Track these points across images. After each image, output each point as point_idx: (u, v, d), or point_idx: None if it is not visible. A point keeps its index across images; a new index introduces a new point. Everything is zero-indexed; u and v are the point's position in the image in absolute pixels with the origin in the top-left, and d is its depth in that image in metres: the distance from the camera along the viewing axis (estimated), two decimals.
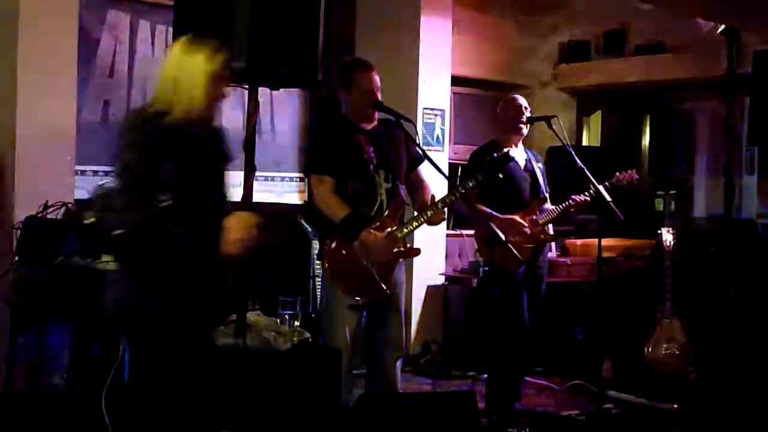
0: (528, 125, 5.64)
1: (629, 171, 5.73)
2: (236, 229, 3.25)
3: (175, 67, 3.26)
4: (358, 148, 4.46)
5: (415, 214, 4.57)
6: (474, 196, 5.05)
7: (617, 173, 5.70)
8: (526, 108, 5.63)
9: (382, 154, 4.52)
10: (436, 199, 4.52)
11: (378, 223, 4.41)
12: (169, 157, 3.20)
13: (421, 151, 4.51)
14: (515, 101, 5.67)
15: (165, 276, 3.22)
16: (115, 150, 3.29)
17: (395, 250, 4.44)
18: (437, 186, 6.70)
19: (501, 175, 4.61)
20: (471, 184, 4.53)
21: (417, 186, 4.71)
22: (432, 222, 4.53)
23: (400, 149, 4.63)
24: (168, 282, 3.23)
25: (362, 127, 4.54)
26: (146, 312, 3.22)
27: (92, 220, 4.31)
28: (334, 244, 4.39)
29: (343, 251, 4.38)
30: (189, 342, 3.28)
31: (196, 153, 3.31)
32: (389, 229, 4.43)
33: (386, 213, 4.48)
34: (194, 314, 3.29)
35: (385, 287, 4.38)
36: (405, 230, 4.47)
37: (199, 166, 3.32)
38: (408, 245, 4.56)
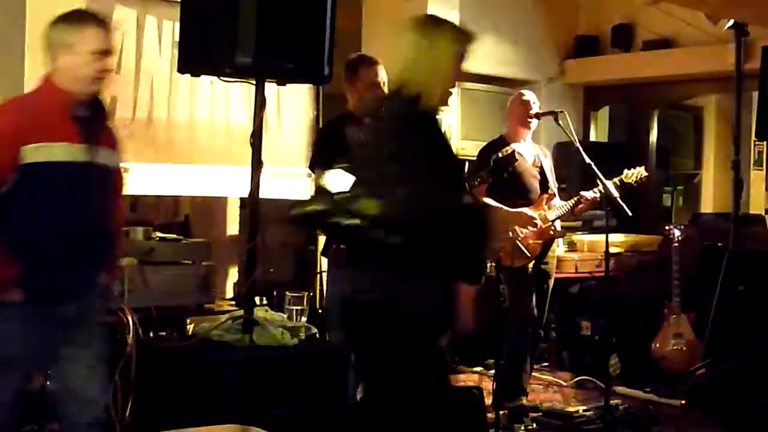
0: (536, 120, 5.66)
1: (638, 168, 5.72)
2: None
3: (420, 50, 3.11)
4: None
5: None
6: (483, 191, 5.05)
7: (626, 170, 5.69)
8: (534, 103, 5.64)
9: None
10: None
11: None
12: (433, 145, 3.03)
13: None
14: (523, 96, 5.70)
15: (442, 276, 3.03)
16: (373, 141, 3.12)
17: None
18: None
19: (506, 174, 4.60)
20: (477, 182, 4.54)
21: None
22: None
23: None
24: (443, 283, 3.05)
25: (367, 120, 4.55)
26: (415, 313, 2.99)
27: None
28: (337, 244, 4.40)
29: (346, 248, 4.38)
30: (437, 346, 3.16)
31: (443, 139, 3.17)
32: None
33: None
34: (449, 316, 3.14)
35: None
36: None
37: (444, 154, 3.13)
38: None
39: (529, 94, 5.73)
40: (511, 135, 5.67)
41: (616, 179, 5.57)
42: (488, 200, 5.28)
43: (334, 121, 4.69)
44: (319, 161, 4.50)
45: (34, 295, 3.07)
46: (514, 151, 4.66)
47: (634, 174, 5.69)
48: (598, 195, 5.45)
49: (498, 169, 4.57)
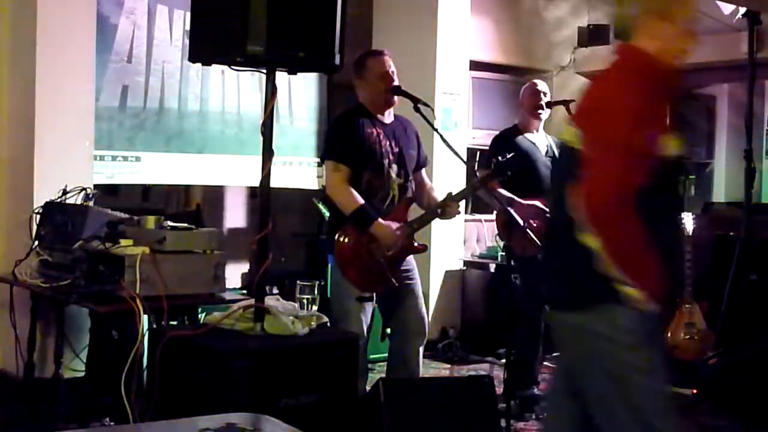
0: (547, 110, 5.66)
1: None
2: None
3: None
4: (376, 140, 4.47)
5: (423, 212, 4.62)
6: (495, 181, 5.05)
7: None
8: (545, 93, 5.65)
9: (397, 149, 4.54)
10: (453, 194, 4.53)
11: (389, 218, 4.44)
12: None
13: (441, 138, 4.50)
14: (534, 86, 5.71)
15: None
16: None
17: (404, 244, 4.45)
18: (455, 170, 6.72)
19: (509, 172, 4.60)
20: (478, 182, 4.60)
21: (421, 187, 4.75)
22: (445, 216, 4.54)
23: (412, 148, 4.67)
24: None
25: (380, 119, 4.55)
26: None
27: None
28: (344, 237, 4.41)
29: (354, 243, 4.40)
30: None
31: None
32: (401, 224, 4.45)
33: (397, 207, 4.51)
34: None
35: (394, 280, 4.41)
36: (416, 225, 4.50)
37: None
38: (415, 241, 4.56)
39: (540, 85, 5.73)
40: (523, 124, 5.69)
41: None
42: (501, 190, 5.28)
43: (346, 114, 4.69)
44: (331, 153, 4.50)
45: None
46: (514, 154, 4.66)
47: None
48: None
49: (500, 170, 4.58)
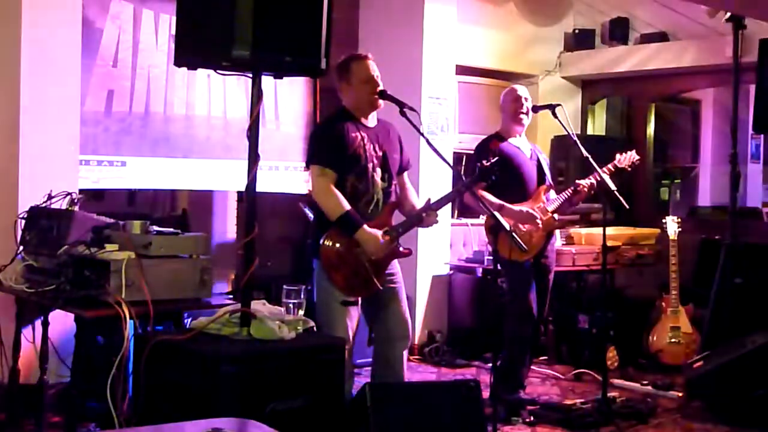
0: (530, 115, 5.67)
1: (629, 152, 5.75)
2: None
3: None
4: (361, 144, 4.48)
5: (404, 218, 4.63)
6: (481, 186, 5.06)
7: (617, 155, 5.72)
8: (526, 99, 5.65)
9: (381, 153, 4.55)
10: (432, 202, 4.56)
11: (374, 222, 4.44)
12: None
13: (427, 143, 4.50)
14: (515, 92, 5.70)
15: None
16: None
17: (389, 249, 4.45)
18: (442, 175, 6.72)
19: (493, 177, 4.60)
20: (462, 187, 4.61)
21: (403, 190, 4.76)
22: (423, 225, 4.55)
23: (395, 152, 4.67)
24: None
25: (364, 123, 4.56)
26: None
27: None
28: (330, 241, 4.41)
29: (340, 248, 4.40)
30: None
31: None
32: (385, 228, 4.45)
33: (382, 212, 4.52)
34: None
35: (378, 284, 4.42)
36: (401, 230, 4.51)
37: None
38: (400, 246, 4.56)
39: (521, 90, 5.73)
40: (505, 131, 5.70)
41: (609, 165, 5.59)
42: (486, 194, 5.29)
43: (330, 118, 4.69)
44: (316, 158, 4.49)
45: None
46: (498, 159, 4.66)
47: (627, 158, 5.72)
48: (594, 182, 5.47)
49: (484, 175, 4.58)
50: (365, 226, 4.36)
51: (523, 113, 5.63)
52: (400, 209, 4.70)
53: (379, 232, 4.40)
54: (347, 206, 4.35)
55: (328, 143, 4.47)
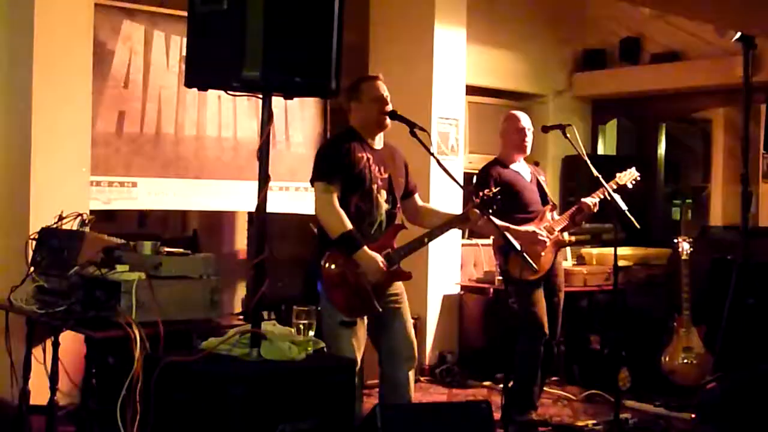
0: (530, 143, 5.70)
1: (629, 170, 5.76)
2: None
3: None
4: (366, 165, 4.46)
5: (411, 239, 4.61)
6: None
7: (617, 173, 5.72)
8: (528, 129, 5.67)
9: (386, 176, 4.55)
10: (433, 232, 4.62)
11: (376, 244, 4.44)
12: None
13: (437, 163, 4.49)
14: (517, 122, 5.71)
15: None
16: None
17: (389, 271, 4.43)
18: (452, 195, 6.72)
19: (495, 207, 4.59)
20: (462, 217, 4.62)
21: (416, 210, 4.79)
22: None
23: (401, 176, 4.68)
24: None
25: (371, 144, 4.55)
26: None
27: None
28: (331, 261, 4.39)
29: (341, 267, 4.38)
30: None
31: None
32: (387, 251, 4.45)
33: (385, 234, 4.51)
34: None
35: (378, 306, 4.40)
36: (402, 253, 4.50)
37: None
38: (401, 268, 4.54)
39: (523, 120, 5.73)
40: (506, 157, 5.74)
41: (610, 182, 5.58)
42: (494, 219, 5.28)
43: (337, 137, 4.69)
44: (321, 175, 4.46)
45: None
46: (499, 189, 4.65)
47: (627, 175, 5.72)
48: (597, 200, 5.48)
49: (484, 206, 4.56)
50: (365, 248, 4.33)
51: (524, 143, 5.67)
52: (421, 225, 4.70)
53: (379, 256, 4.37)
54: (349, 225, 4.32)
55: (334, 161, 4.44)
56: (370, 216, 4.47)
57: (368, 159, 4.48)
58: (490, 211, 4.56)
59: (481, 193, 4.61)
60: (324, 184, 4.41)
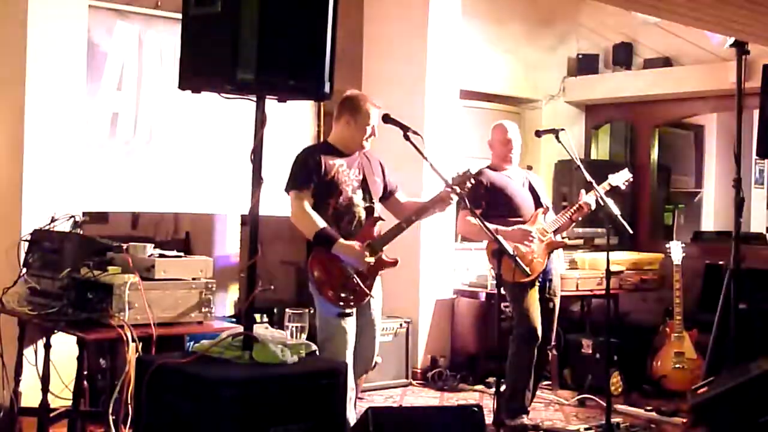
0: (518, 153, 5.73)
1: (622, 171, 5.79)
2: None
3: None
4: (338, 171, 4.63)
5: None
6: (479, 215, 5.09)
7: (609, 175, 5.75)
8: (515, 140, 5.74)
9: (361, 177, 4.70)
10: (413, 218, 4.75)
11: (357, 237, 4.60)
12: None
13: (431, 167, 4.55)
14: (504, 133, 5.78)
15: None
16: None
17: (373, 259, 4.57)
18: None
19: (468, 183, 4.65)
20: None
21: (400, 206, 4.91)
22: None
23: (377, 176, 4.81)
24: None
25: (342, 152, 4.71)
26: None
27: None
28: (315, 260, 4.57)
29: (325, 265, 4.54)
30: None
31: None
32: (368, 241, 4.59)
33: (364, 227, 4.67)
34: None
35: (368, 291, 4.58)
36: (383, 241, 4.65)
37: None
38: (385, 256, 4.68)
39: (511, 130, 5.78)
40: (496, 165, 5.80)
41: (604, 183, 5.61)
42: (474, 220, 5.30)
43: (311, 148, 4.92)
44: (292, 183, 4.62)
45: None
46: (469, 170, 4.76)
47: (620, 176, 5.75)
48: (590, 202, 5.52)
49: (460, 182, 4.68)
50: (341, 239, 4.49)
51: (510, 155, 5.72)
52: (406, 220, 4.76)
53: (356, 243, 4.53)
54: (322, 224, 4.50)
55: (306, 169, 4.61)
56: (348, 214, 4.63)
57: (341, 164, 4.64)
58: (467, 187, 4.70)
59: (455, 175, 4.71)
60: (295, 191, 4.61)
